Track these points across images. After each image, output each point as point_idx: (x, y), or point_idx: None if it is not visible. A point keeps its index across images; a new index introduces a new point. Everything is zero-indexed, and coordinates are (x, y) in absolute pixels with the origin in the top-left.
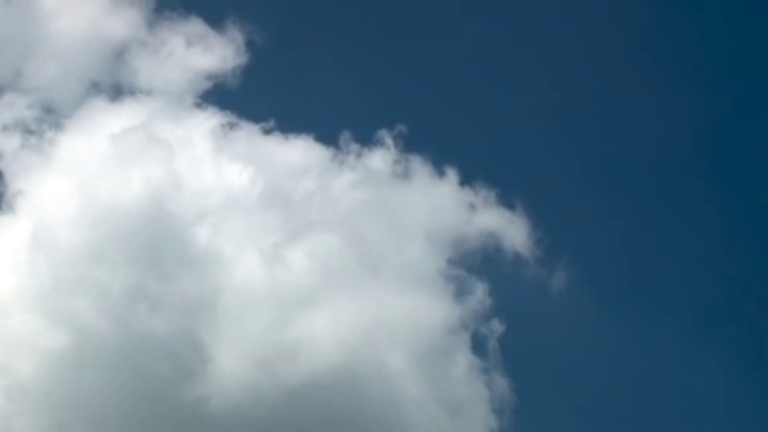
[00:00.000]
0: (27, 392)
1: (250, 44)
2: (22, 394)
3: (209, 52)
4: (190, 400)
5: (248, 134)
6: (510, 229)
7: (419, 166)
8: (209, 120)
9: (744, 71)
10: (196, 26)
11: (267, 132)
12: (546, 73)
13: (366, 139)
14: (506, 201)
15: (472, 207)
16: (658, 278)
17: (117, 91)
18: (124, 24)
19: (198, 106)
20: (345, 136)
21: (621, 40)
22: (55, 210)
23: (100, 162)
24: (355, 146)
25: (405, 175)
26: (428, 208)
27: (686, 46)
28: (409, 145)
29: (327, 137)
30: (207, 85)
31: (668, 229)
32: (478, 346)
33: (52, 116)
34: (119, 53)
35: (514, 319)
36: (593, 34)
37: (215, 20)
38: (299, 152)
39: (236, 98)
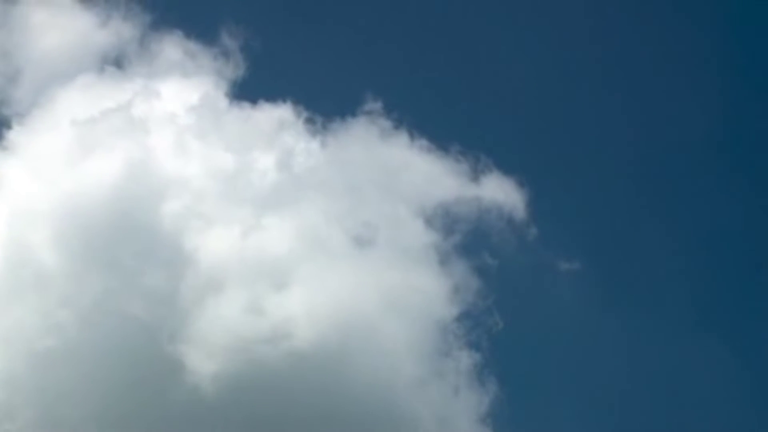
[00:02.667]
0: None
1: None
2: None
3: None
4: (181, 389)
5: (222, 105)
6: (504, 201)
7: (405, 135)
8: (183, 94)
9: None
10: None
11: (239, 101)
12: (542, 53)
13: (349, 108)
14: (502, 172)
15: (464, 178)
16: (662, 273)
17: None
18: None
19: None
20: (326, 105)
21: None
22: (27, 203)
23: (65, 151)
24: (336, 115)
25: (389, 145)
26: (414, 178)
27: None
28: (393, 113)
29: (307, 106)
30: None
31: (673, 221)
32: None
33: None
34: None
35: (508, 295)
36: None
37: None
38: (274, 122)
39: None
